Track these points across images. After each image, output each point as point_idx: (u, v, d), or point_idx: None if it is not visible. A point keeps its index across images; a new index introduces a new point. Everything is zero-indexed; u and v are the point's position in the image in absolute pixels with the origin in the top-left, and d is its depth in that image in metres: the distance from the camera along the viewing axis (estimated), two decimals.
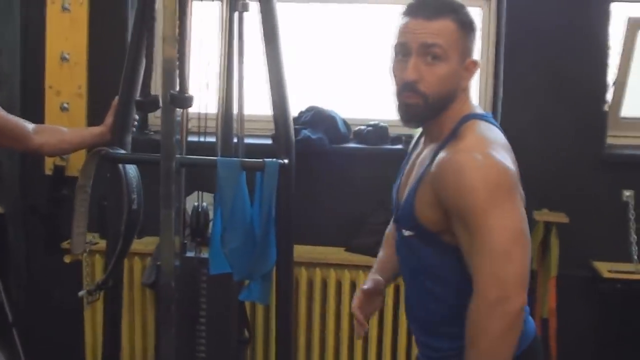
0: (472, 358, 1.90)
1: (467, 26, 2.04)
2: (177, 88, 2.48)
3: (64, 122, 3.83)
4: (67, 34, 3.93)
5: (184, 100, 2.47)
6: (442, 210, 1.96)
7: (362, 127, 3.92)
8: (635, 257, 3.67)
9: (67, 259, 3.85)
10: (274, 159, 2.79)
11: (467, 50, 2.05)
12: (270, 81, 2.98)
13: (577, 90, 3.76)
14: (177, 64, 2.47)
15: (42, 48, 3.97)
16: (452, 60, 2.00)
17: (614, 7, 3.74)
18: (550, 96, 3.75)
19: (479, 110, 2.11)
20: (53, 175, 4.00)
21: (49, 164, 3.99)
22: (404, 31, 2.03)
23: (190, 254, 3.11)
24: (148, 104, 2.54)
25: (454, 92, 2.05)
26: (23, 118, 2.96)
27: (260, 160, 2.77)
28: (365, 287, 2.36)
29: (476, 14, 3.95)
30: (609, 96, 3.85)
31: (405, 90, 2.02)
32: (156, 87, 2.68)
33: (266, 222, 2.78)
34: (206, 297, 3.06)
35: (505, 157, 1.94)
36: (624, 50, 3.74)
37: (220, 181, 2.76)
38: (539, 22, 3.75)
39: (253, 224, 2.79)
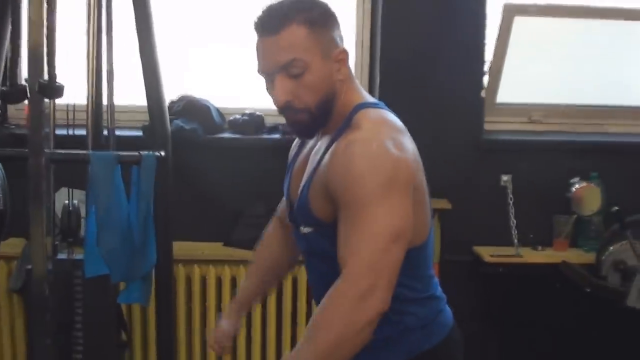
0: (319, 340, 1.75)
1: (319, 22, 1.89)
2: (46, 77, 2.29)
3: None
4: None
5: (54, 90, 2.29)
6: (331, 201, 1.86)
7: (237, 117, 3.79)
8: (516, 240, 3.70)
9: None
10: (150, 152, 2.64)
11: (328, 45, 1.90)
12: (144, 69, 2.82)
13: (454, 77, 3.74)
14: (45, 50, 2.28)
15: None
16: (316, 64, 1.87)
17: None
18: (427, 83, 3.72)
19: (370, 99, 2.01)
20: None
21: None
22: (258, 55, 1.89)
23: (62, 256, 2.90)
24: (15, 94, 2.34)
25: (334, 89, 1.92)
26: None
27: (136, 153, 2.62)
28: (222, 325, 2.38)
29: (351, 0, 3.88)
30: (485, 82, 3.86)
31: (285, 112, 1.91)
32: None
33: (144, 219, 2.64)
34: (82, 301, 2.87)
35: (404, 146, 1.85)
36: (499, 35, 3.75)
37: (93, 177, 2.60)
38: (415, 9, 3.71)
39: (130, 222, 2.63)
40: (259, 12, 1.90)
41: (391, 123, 1.92)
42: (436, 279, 2.10)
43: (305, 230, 1.98)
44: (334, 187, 1.83)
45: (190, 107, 3.74)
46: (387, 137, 1.83)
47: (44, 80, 2.27)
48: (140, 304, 3.00)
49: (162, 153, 2.75)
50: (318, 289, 2.11)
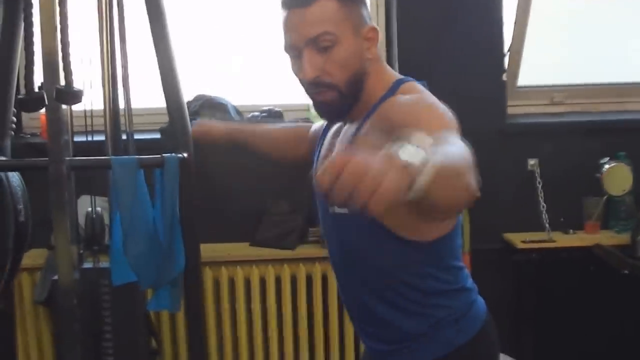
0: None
1: None
2: (62, 82, 2.22)
3: None
4: None
5: (72, 96, 2.21)
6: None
7: (256, 114, 3.72)
8: (547, 225, 3.63)
9: None
10: (173, 154, 2.57)
11: (359, 21, 1.86)
12: (161, 69, 2.71)
13: (474, 62, 3.69)
14: (61, 55, 2.21)
15: None
16: (347, 39, 1.82)
17: None
18: (447, 68, 3.66)
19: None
20: None
21: None
22: (286, 29, 1.84)
23: (87, 265, 2.83)
24: (32, 102, 2.26)
25: (363, 68, 1.87)
26: None
27: (159, 156, 2.54)
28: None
29: None
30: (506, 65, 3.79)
31: (313, 89, 1.85)
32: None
33: (170, 223, 2.55)
34: (110, 310, 2.79)
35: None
36: (518, 17, 3.67)
37: (116, 183, 2.52)
38: None
39: (156, 227, 2.56)
40: None
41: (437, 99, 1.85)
42: (467, 271, 2.03)
43: (339, 210, 1.89)
44: (392, 121, 1.72)
45: (208, 106, 3.67)
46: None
47: (61, 86, 2.20)
48: (171, 311, 2.91)
49: (185, 154, 2.66)
50: (348, 286, 2.05)
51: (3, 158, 2.64)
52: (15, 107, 2.64)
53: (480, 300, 2.03)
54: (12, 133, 2.84)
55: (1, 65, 2.68)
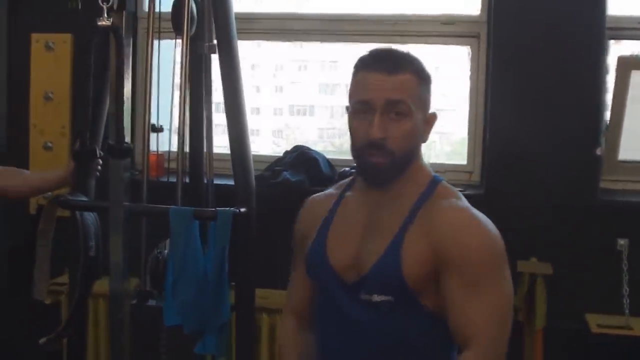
0: None
1: (426, 79, 1.98)
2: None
3: (48, 161, 3.84)
4: (51, 72, 3.93)
5: (121, 152, 2.40)
6: (432, 265, 1.89)
7: (346, 169, 3.81)
8: (627, 310, 3.47)
9: (47, 301, 3.77)
10: (229, 208, 2.69)
11: (427, 103, 1.99)
12: (229, 125, 2.85)
13: (569, 133, 3.60)
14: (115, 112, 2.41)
15: (27, 87, 3.99)
16: (416, 115, 1.93)
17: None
18: (540, 139, 3.61)
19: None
20: (37, 215, 3.95)
21: (34, 203, 3.96)
22: (365, 87, 1.93)
23: (151, 303, 3.01)
24: (85, 154, 2.48)
25: (417, 147, 2.00)
26: (8, 156, 2.93)
27: (213, 209, 2.69)
28: None
29: (464, 53, 3.83)
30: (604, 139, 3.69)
31: (371, 149, 1.93)
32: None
33: (219, 274, 2.68)
34: (166, 347, 2.97)
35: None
36: (615, 90, 3.58)
37: (172, 230, 2.68)
38: (529, 62, 3.62)
39: (206, 276, 2.69)
40: (371, 51, 1.99)
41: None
42: None
43: (379, 298, 1.95)
44: (447, 249, 1.88)
45: (300, 159, 3.80)
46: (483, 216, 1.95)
47: (112, 142, 2.40)
48: (216, 355, 3.02)
49: (243, 209, 2.76)
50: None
51: (80, 198, 2.85)
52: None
53: None
54: (99, 174, 3.06)
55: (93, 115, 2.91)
